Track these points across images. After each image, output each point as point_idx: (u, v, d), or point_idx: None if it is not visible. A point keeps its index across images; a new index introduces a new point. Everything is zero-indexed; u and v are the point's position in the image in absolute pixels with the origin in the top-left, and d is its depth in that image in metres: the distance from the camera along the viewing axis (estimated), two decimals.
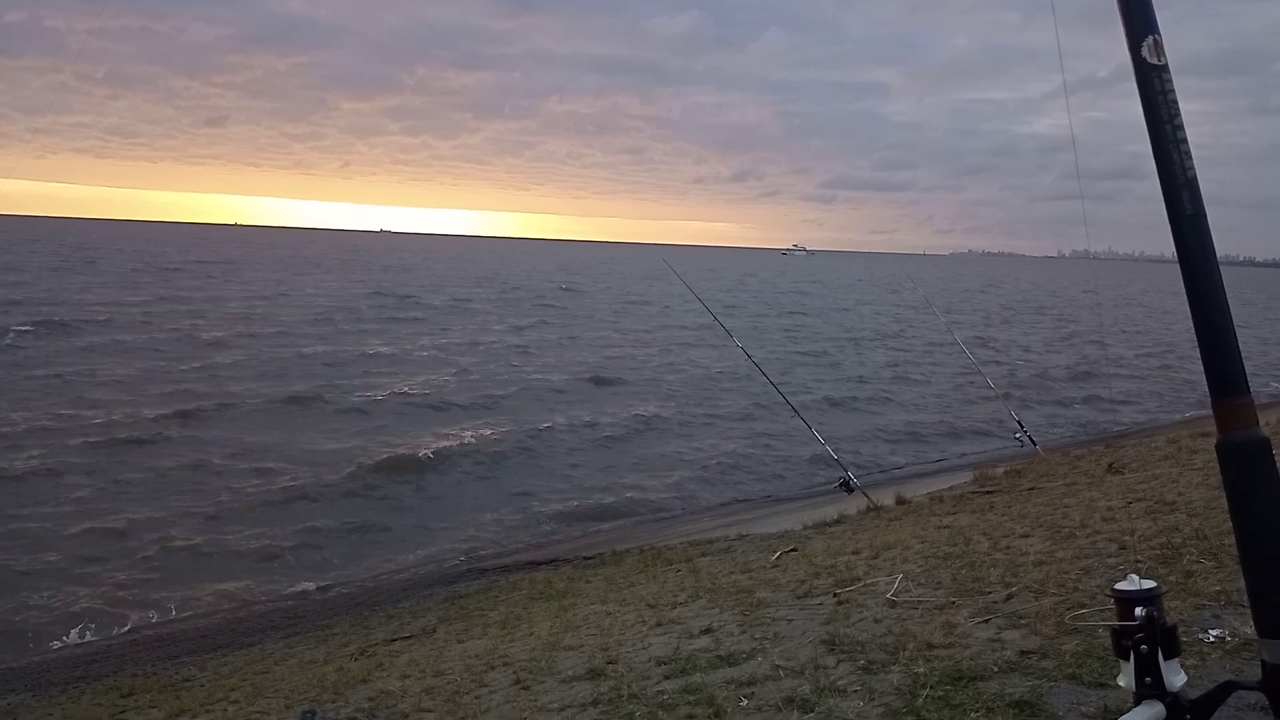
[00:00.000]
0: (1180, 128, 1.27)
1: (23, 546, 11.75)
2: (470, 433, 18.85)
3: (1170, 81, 1.28)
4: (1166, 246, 1.29)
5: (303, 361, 27.02)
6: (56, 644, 9.52)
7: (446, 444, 17.73)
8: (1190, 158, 1.27)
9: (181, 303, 42.46)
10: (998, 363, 31.15)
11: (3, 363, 24.07)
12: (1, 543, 11.83)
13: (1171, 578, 4.16)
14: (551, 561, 10.41)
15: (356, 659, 6.62)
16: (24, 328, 29.46)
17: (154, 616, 10.24)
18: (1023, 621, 4.01)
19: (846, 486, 10.16)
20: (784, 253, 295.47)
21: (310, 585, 11.20)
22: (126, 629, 9.88)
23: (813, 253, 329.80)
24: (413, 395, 22.59)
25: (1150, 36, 1.28)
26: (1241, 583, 1.25)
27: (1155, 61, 1.28)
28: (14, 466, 14.82)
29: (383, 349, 30.58)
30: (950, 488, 10.09)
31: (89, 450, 16.09)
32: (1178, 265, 1.29)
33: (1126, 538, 5.15)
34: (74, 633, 9.72)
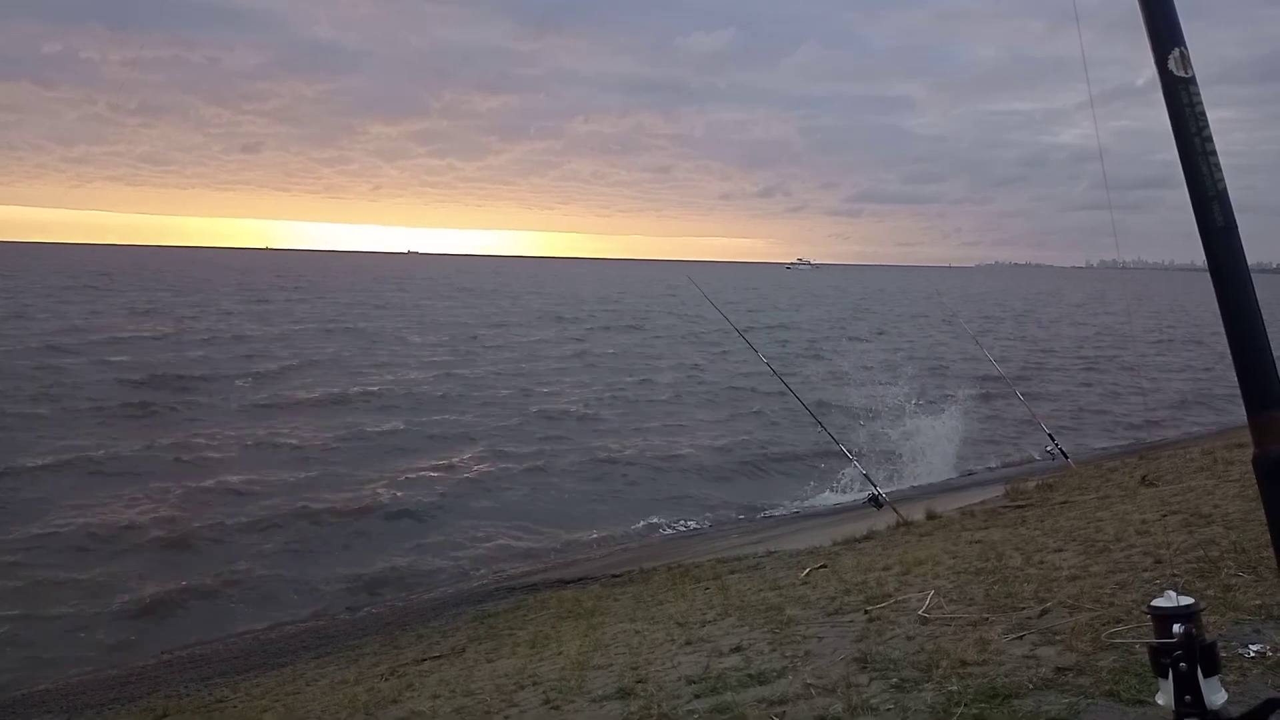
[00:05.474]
0: (1209, 140, 1.26)
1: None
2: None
3: (1198, 94, 1.26)
4: (1196, 255, 1.27)
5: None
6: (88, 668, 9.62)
7: None
8: (1220, 170, 1.25)
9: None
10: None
11: None
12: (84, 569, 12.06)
13: (1210, 591, 4.10)
14: (579, 580, 10.39)
15: (387, 679, 6.63)
16: None
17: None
18: (1058, 637, 3.95)
19: (875, 502, 10.07)
20: (788, 267, 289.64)
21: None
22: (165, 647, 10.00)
23: (818, 266, 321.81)
24: None
25: (1177, 49, 1.27)
26: None
27: (1182, 74, 1.27)
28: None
29: None
30: (981, 502, 9.98)
31: None
32: (1209, 276, 1.28)
33: (1162, 551, 5.08)
34: (109, 654, 9.83)
